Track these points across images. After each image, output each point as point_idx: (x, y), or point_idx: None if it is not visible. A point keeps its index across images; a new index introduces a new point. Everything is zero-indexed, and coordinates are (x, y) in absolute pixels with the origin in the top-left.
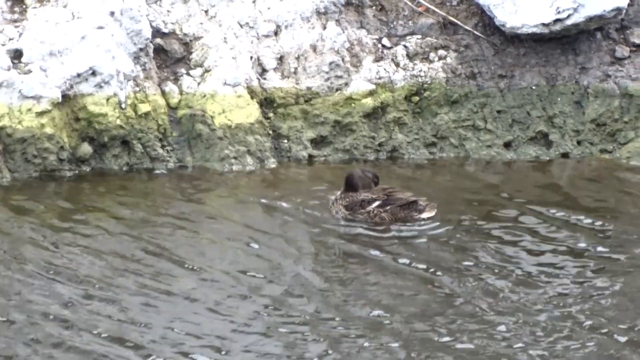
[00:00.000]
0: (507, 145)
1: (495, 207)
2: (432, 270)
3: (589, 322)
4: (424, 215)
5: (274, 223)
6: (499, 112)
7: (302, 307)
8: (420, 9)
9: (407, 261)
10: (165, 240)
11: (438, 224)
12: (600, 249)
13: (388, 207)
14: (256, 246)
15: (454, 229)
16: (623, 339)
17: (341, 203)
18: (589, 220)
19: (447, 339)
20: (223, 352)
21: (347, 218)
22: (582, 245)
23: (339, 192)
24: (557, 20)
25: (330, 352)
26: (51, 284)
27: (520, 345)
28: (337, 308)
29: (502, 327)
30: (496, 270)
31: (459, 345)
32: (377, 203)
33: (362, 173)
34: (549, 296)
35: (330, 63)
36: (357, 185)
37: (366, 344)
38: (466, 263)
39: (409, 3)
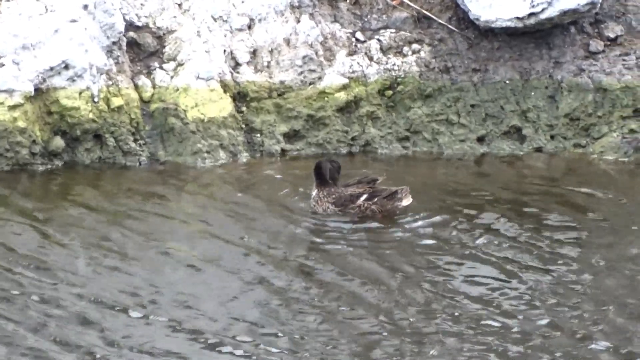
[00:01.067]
0: (481, 139)
1: (473, 202)
2: (410, 267)
3: (568, 322)
4: (404, 203)
5: (246, 216)
6: (472, 106)
7: (271, 299)
8: (394, 3)
9: (382, 252)
10: (137, 234)
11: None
12: (579, 243)
13: (376, 199)
14: (228, 239)
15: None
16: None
17: (328, 200)
18: (561, 215)
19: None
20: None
21: (336, 214)
22: (557, 238)
23: (316, 189)
24: (531, 14)
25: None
26: (21, 276)
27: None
28: (309, 303)
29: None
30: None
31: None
32: (364, 196)
33: (329, 163)
34: (522, 292)
35: (304, 57)
36: (325, 174)
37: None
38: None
39: None
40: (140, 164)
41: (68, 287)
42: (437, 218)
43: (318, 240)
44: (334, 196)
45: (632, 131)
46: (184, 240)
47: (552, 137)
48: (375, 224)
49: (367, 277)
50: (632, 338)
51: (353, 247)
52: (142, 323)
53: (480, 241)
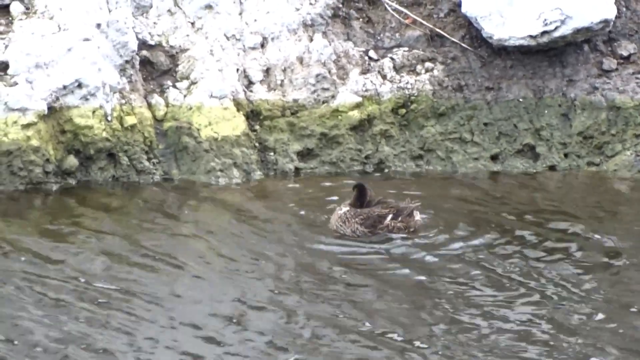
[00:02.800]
0: (494, 158)
1: (488, 219)
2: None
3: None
4: (418, 217)
5: (260, 236)
6: (485, 124)
7: (284, 318)
8: (407, 21)
9: (405, 272)
10: (152, 253)
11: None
12: (596, 260)
13: (400, 217)
14: (243, 259)
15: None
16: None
17: (356, 221)
18: (581, 232)
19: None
20: None
21: (366, 235)
22: (577, 256)
23: (344, 207)
24: (544, 32)
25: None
26: (36, 295)
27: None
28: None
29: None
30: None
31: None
32: (391, 216)
33: (364, 186)
34: (534, 303)
35: (317, 75)
36: (365, 198)
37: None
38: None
39: (396, 15)
40: (154, 182)
41: (82, 303)
42: (449, 235)
43: (337, 258)
44: (361, 217)
45: None
46: (199, 258)
47: (565, 155)
48: (392, 243)
49: (398, 297)
50: None
51: (370, 264)
52: (153, 344)
53: (500, 261)
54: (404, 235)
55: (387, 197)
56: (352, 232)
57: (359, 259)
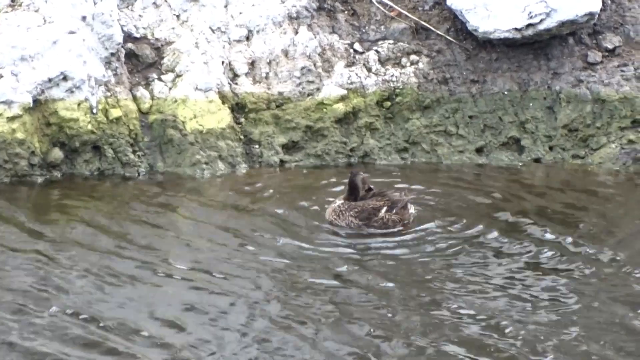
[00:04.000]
0: (479, 150)
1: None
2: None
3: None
4: (412, 210)
5: (245, 228)
6: (470, 117)
7: (276, 312)
8: (392, 14)
9: (389, 263)
10: (136, 246)
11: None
12: (581, 253)
13: (394, 210)
14: (228, 250)
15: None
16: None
17: (350, 214)
18: (564, 228)
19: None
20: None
21: (360, 227)
22: (557, 252)
23: (338, 201)
24: (529, 25)
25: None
26: (20, 287)
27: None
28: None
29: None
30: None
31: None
32: (385, 208)
33: (355, 175)
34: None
35: (302, 68)
36: (358, 192)
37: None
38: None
39: (381, 8)
40: (139, 175)
41: (63, 303)
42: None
43: (324, 251)
44: (356, 210)
45: (630, 142)
46: (184, 251)
47: (550, 148)
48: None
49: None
50: None
51: (362, 256)
52: (139, 338)
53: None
54: (400, 229)
55: (385, 189)
56: (346, 224)
57: (344, 251)
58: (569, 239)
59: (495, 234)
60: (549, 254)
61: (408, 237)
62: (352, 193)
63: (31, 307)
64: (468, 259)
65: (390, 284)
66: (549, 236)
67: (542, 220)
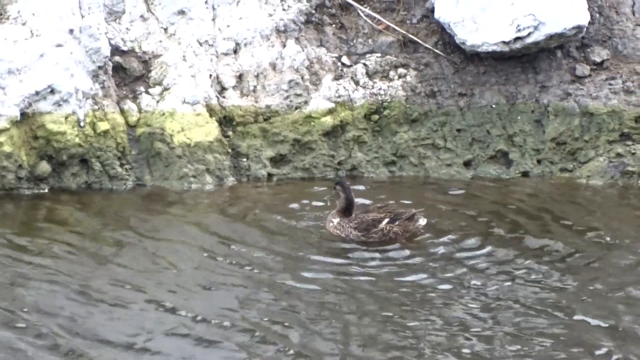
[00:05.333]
0: (467, 164)
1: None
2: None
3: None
4: (421, 223)
5: (233, 241)
6: (458, 130)
7: (268, 325)
8: (380, 27)
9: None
10: (123, 260)
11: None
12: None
13: (397, 222)
14: (216, 264)
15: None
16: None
17: (350, 226)
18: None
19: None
20: None
21: (360, 239)
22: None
23: (337, 217)
24: (517, 39)
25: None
26: (4, 301)
27: None
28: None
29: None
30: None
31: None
32: (386, 220)
33: (342, 187)
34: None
35: (290, 81)
36: (352, 209)
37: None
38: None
39: (369, 21)
40: (126, 188)
41: (45, 317)
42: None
43: (311, 261)
44: (355, 222)
45: (618, 155)
46: (171, 264)
47: (538, 161)
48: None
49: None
50: None
51: (345, 266)
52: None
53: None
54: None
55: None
56: (345, 236)
57: (333, 263)
58: (557, 252)
59: (483, 247)
60: (536, 266)
61: (394, 250)
62: (348, 209)
63: None
64: (453, 272)
65: (365, 296)
66: (534, 248)
67: (529, 233)
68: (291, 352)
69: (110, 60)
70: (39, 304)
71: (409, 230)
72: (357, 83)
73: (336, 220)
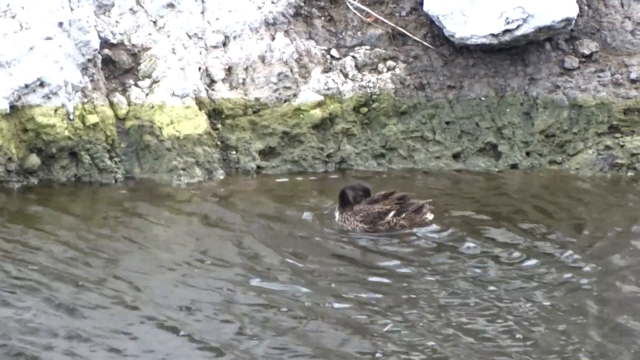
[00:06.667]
0: (456, 156)
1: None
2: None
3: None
4: (429, 216)
5: (221, 234)
6: (447, 123)
7: (253, 318)
8: (369, 20)
9: (377, 268)
10: (113, 252)
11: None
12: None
13: (404, 214)
14: (204, 257)
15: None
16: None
17: (356, 219)
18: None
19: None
20: None
21: (366, 231)
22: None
23: (338, 211)
24: (506, 31)
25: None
26: None
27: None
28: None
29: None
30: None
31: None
32: (393, 212)
33: (352, 189)
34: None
35: (279, 74)
36: (349, 200)
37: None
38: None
39: (358, 14)
40: (116, 181)
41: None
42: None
43: (300, 255)
44: (361, 214)
45: (607, 148)
46: (163, 258)
47: (527, 153)
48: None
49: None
50: None
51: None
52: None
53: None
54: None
55: (395, 191)
56: (352, 229)
57: (323, 257)
58: (547, 245)
59: (471, 239)
60: (524, 258)
61: (386, 242)
62: (342, 203)
63: None
64: (444, 263)
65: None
66: (522, 241)
67: (517, 225)
68: (288, 346)
69: (99, 53)
70: (26, 296)
71: (415, 222)
72: (346, 76)
73: (337, 214)
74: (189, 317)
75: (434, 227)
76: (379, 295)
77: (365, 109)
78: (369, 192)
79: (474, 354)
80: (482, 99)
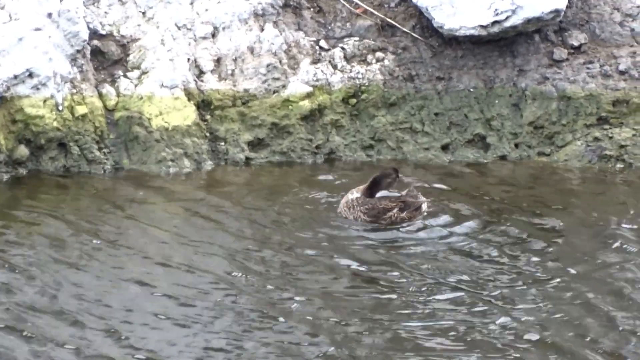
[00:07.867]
0: (445, 148)
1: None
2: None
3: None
4: (425, 207)
5: (210, 225)
6: (436, 114)
7: (242, 310)
8: (358, 11)
9: (352, 261)
10: (102, 242)
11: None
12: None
13: (405, 212)
14: (192, 247)
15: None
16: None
17: (360, 210)
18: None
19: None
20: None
21: (367, 223)
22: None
23: (355, 193)
24: (495, 22)
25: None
26: None
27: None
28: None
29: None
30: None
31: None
32: (396, 209)
33: (386, 175)
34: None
35: (268, 65)
36: (380, 189)
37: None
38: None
39: (347, 5)
40: (104, 172)
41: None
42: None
43: (289, 248)
44: (366, 206)
45: (596, 139)
46: (151, 248)
47: (516, 145)
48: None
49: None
50: None
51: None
52: (96, 335)
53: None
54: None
55: (410, 190)
56: (353, 218)
57: (315, 246)
58: (536, 236)
59: (460, 230)
60: (513, 249)
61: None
62: (372, 189)
63: None
64: (432, 253)
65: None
66: (512, 231)
67: (505, 216)
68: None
69: (88, 44)
70: (16, 288)
71: (415, 217)
72: (335, 67)
73: (353, 196)
74: (175, 308)
75: (430, 219)
76: (368, 286)
77: (354, 100)
78: (397, 172)
79: (472, 349)
80: (471, 90)
